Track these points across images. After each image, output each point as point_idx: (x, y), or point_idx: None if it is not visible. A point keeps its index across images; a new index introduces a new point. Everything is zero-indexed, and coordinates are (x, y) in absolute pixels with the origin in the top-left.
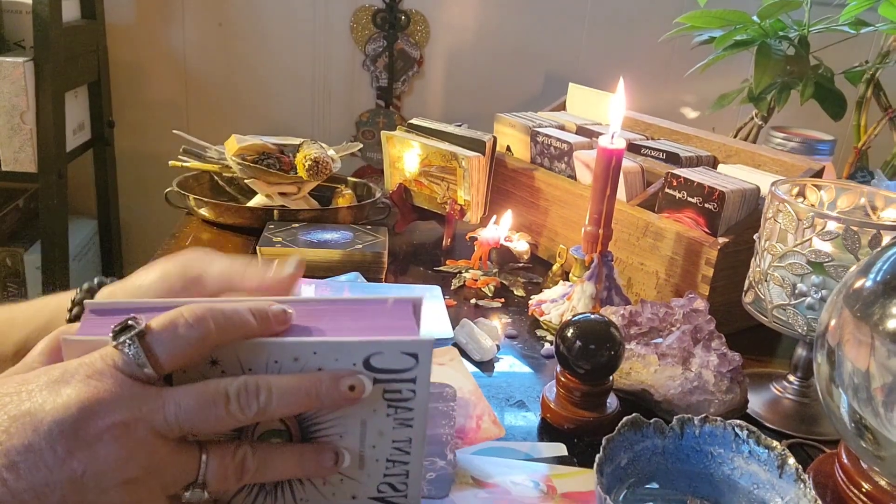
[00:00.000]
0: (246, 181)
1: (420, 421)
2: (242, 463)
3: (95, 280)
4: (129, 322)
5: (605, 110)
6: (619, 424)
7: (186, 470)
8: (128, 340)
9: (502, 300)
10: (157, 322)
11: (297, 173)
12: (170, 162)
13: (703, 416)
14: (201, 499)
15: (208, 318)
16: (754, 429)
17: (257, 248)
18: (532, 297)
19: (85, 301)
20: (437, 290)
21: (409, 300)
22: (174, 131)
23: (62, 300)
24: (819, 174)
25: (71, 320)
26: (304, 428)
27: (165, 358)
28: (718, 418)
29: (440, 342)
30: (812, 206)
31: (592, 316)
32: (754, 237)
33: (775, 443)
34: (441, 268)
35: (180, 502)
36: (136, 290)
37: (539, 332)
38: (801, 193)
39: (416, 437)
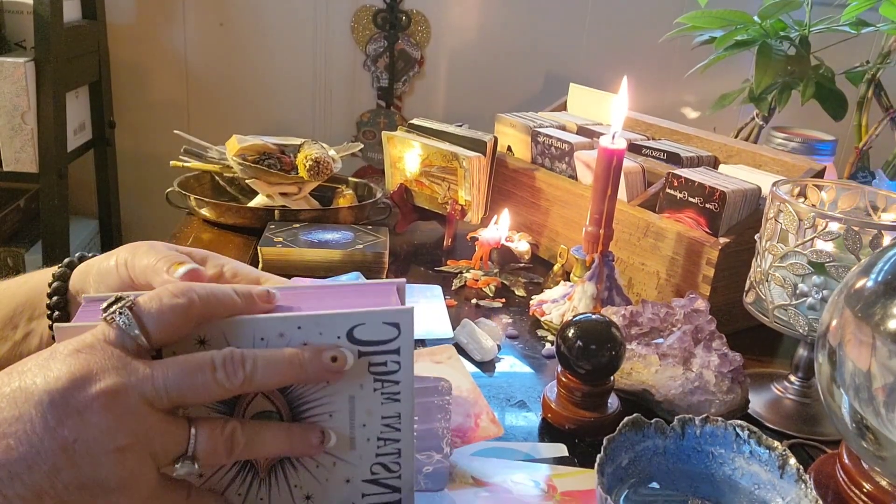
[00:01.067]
0: (247, 181)
1: (407, 395)
2: (231, 436)
3: (77, 255)
4: (119, 295)
5: (605, 110)
6: (620, 424)
7: (176, 441)
8: (118, 310)
9: (503, 300)
10: (144, 296)
11: (297, 173)
12: (171, 162)
13: (704, 416)
14: (191, 471)
15: (192, 291)
16: (755, 429)
17: (258, 248)
18: (533, 297)
19: (84, 296)
20: (437, 289)
21: (392, 282)
22: (175, 131)
23: (43, 276)
24: (820, 174)
25: (51, 294)
26: (293, 408)
27: (154, 327)
28: (719, 418)
29: (440, 342)
30: (813, 206)
31: (593, 316)
32: (755, 237)
33: (776, 443)
34: (442, 268)
35: (171, 476)
36: (101, 272)
37: (540, 333)
38: (802, 194)
39: (405, 412)
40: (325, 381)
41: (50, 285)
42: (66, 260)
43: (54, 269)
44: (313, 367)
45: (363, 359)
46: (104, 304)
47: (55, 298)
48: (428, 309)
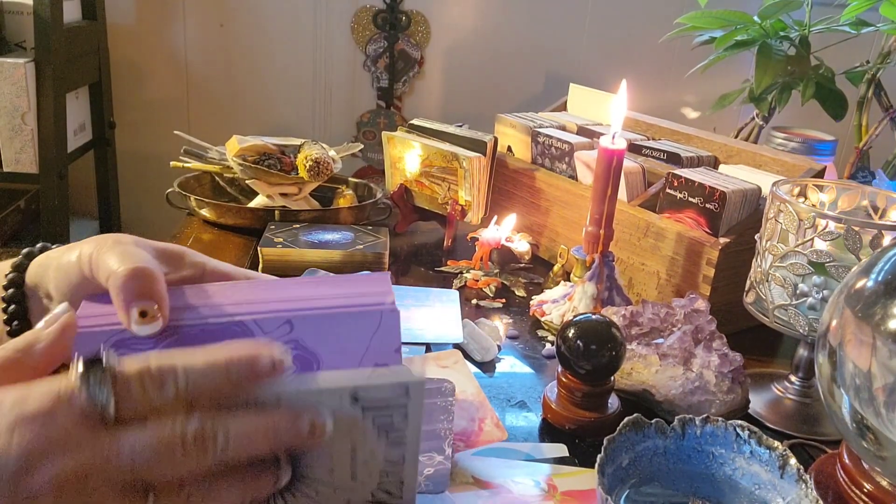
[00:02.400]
0: (247, 182)
1: (413, 438)
2: (188, 499)
3: (38, 245)
4: (102, 356)
5: (606, 110)
6: (621, 425)
7: None
8: (98, 380)
9: (503, 301)
10: (129, 366)
11: (298, 174)
12: (171, 163)
13: (705, 416)
14: None
15: (176, 376)
16: (756, 429)
17: (258, 248)
18: (533, 297)
19: (85, 300)
20: (454, 294)
21: (385, 273)
22: (175, 132)
23: (1, 267)
24: (820, 174)
25: (6, 286)
26: (294, 457)
27: (129, 406)
28: (720, 419)
29: (448, 346)
30: (813, 206)
31: (593, 316)
32: (755, 237)
33: (777, 443)
34: (442, 268)
35: None
36: (61, 266)
37: (540, 333)
38: (803, 194)
39: (410, 452)
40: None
41: (6, 276)
42: (26, 250)
43: (12, 259)
44: (290, 436)
45: (368, 414)
46: (85, 360)
47: (10, 291)
48: (442, 313)
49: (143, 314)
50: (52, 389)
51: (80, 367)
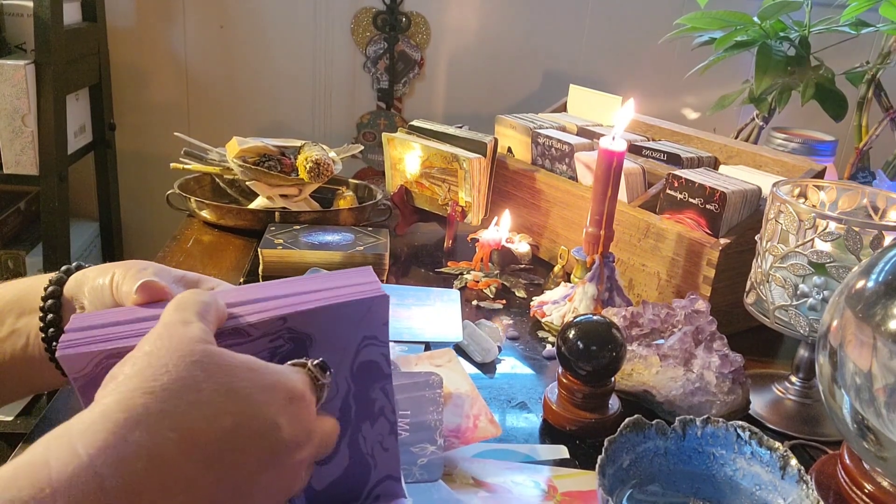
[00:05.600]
0: (247, 183)
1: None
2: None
3: (74, 264)
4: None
5: (606, 111)
6: (621, 426)
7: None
8: (323, 380)
9: (504, 301)
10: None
11: (298, 175)
12: (171, 164)
13: (705, 417)
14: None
15: None
16: (756, 430)
17: (259, 249)
18: (533, 298)
19: (74, 315)
20: (455, 293)
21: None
22: (175, 133)
23: (37, 279)
24: (820, 175)
25: (46, 298)
26: None
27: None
28: (720, 419)
29: (449, 344)
30: (813, 206)
31: (594, 317)
32: (756, 238)
33: (777, 444)
34: (442, 269)
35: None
36: (95, 289)
37: (540, 334)
38: (803, 194)
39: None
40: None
41: (46, 289)
42: (64, 267)
43: (51, 274)
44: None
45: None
46: (315, 369)
47: (49, 302)
48: (442, 312)
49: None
50: (302, 379)
51: (315, 368)
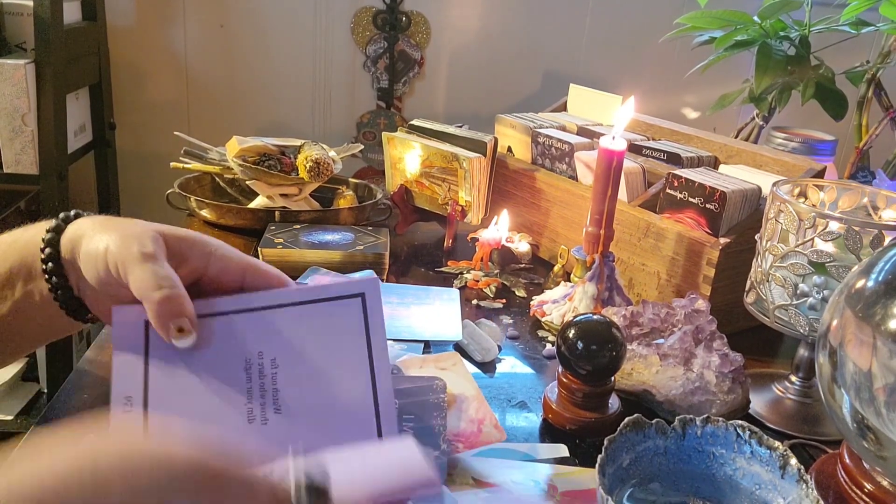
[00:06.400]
0: (247, 182)
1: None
2: None
3: (61, 216)
4: (316, 477)
5: (606, 111)
6: (621, 425)
7: None
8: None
9: (504, 301)
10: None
11: (298, 175)
12: (171, 163)
13: (705, 416)
14: None
15: None
16: (756, 429)
17: (259, 249)
18: (533, 297)
19: (114, 308)
20: (455, 293)
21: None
22: (175, 133)
23: (34, 236)
24: (820, 174)
25: (45, 261)
26: None
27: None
28: (720, 419)
29: (447, 343)
30: (813, 206)
31: (594, 317)
32: (756, 237)
33: (777, 443)
34: (442, 269)
35: None
36: (89, 253)
37: (540, 333)
38: (803, 194)
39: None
40: None
41: (42, 250)
42: (54, 223)
43: (43, 230)
44: None
45: None
46: (303, 488)
47: (50, 265)
48: (442, 311)
49: (179, 330)
50: (274, 491)
51: (304, 488)
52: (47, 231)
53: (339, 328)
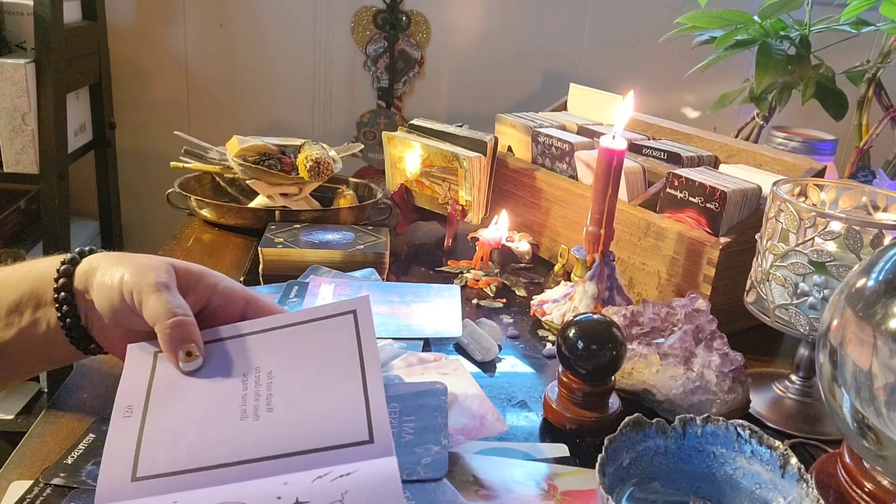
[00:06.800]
0: (247, 182)
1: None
2: None
3: (77, 251)
4: None
5: (606, 110)
6: (621, 424)
7: None
8: None
9: (504, 300)
10: None
11: (298, 174)
12: (171, 163)
13: (706, 415)
14: None
15: None
16: (756, 429)
17: (259, 248)
18: (534, 297)
19: (130, 346)
20: (455, 289)
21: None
22: (175, 132)
23: (48, 267)
24: (821, 174)
25: (58, 290)
26: None
27: None
28: (720, 418)
29: (448, 340)
30: (814, 205)
31: (594, 316)
32: (756, 237)
33: (777, 443)
34: (442, 268)
35: None
36: (103, 286)
37: (541, 333)
38: (803, 193)
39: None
40: None
41: (56, 280)
42: (69, 256)
43: (58, 262)
44: None
45: None
46: None
47: (62, 295)
48: (442, 308)
49: (188, 354)
50: None
51: None
52: (63, 262)
53: (333, 342)
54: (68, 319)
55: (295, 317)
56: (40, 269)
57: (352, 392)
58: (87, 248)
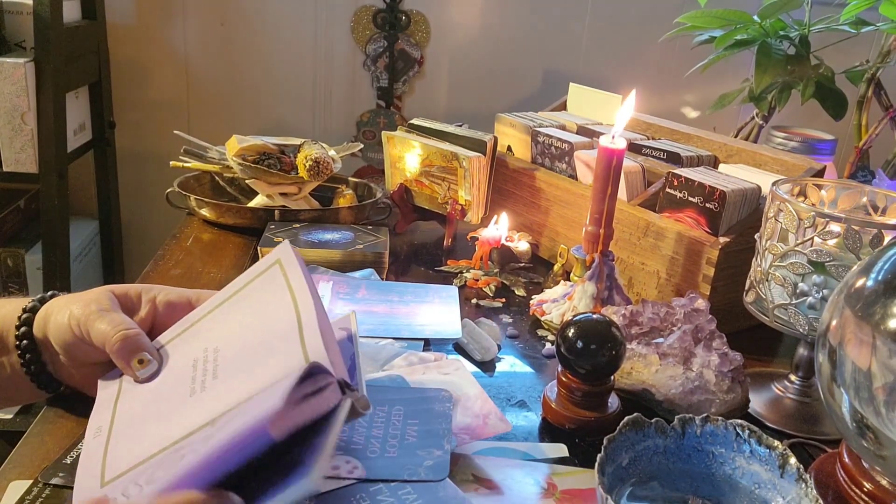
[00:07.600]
0: (247, 181)
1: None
2: None
3: (38, 297)
4: None
5: (606, 110)
6: (621, 424)
7: None
8: None
9: (503, 300)
10: None
11: (297, 173)
12: (171, 162)
13: (705, 415)
14: None
15: None
16: (755, 428)
17: (258, 248)
18: (533, 296)
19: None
20: (453, 290)
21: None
22: (175, 132)
23: (11, 312)
24: (820, 174)
25: (19, 326)
26: None
27: None
28: (720, 418)
29: (447, 341)
30: (813, 205)
31: (593, 316)
32: (755, 237)
33: (777, 442)
34: (442, 268)
35: None
36: (57, 326)
37: (540, 332)
38: (803, 193)
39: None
40: None
41: (18, 328)
42: (30, 304)
43: (20, 309)
44: None
45: None
46: None
47: (24, 343)
48: (441, 309)
49: (140, 362)
50: None
51: None
52: (24, 310)
53: (265, 294)
54: (32, 366)
55: (231, 288)
56: (2, 314)
57: (286, 323)
58: (48, 294)
